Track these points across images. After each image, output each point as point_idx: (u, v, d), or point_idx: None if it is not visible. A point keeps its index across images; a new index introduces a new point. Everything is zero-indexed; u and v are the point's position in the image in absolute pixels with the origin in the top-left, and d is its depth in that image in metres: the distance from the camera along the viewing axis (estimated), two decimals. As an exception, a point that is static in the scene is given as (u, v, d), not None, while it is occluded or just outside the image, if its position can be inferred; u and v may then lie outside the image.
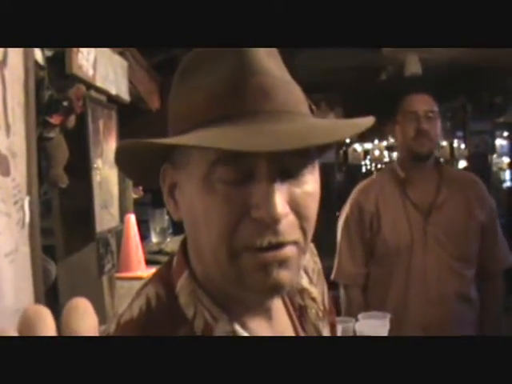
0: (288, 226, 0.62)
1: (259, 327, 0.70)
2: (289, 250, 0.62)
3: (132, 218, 2.84)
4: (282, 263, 0.62)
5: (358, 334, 1.54)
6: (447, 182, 2.05)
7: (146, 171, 0.72)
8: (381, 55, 3.48)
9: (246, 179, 0.61)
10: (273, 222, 0.60)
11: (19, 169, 1.35)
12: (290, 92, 0.64)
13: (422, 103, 2.04)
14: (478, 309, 2.07)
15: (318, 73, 4.16)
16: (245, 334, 0.68)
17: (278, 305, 0.75)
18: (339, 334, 1.49)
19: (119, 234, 2.63)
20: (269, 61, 0.64)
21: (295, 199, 0.62)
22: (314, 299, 0.81)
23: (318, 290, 0.83)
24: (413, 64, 3.35)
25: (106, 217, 2.13)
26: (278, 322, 0.74)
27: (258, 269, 0.62)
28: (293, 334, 0.76)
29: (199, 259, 0.68)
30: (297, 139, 0.57)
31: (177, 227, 3.90)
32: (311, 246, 0.82)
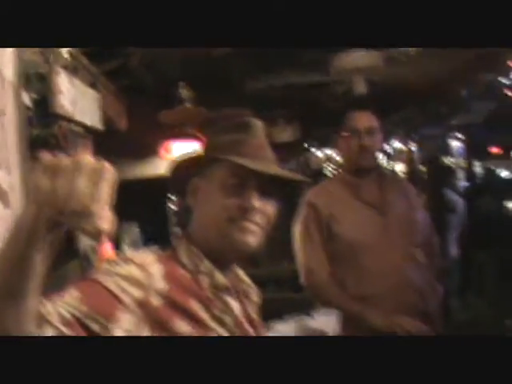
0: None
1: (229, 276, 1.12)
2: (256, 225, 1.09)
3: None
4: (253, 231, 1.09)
5: (312, 330, 1.70)
6: (389, 183, 2.23)
7: (179, 183, 1.15)
8: (329, 76, 3.71)
9: (242, 187, 1.08)
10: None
11: (17, 202, 1.57)
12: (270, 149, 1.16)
13: (364, 120, 2.15)
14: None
15: (275, 90, 4.35)
16: (220, 275, 1.09)
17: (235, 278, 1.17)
18: (295, 330, 1.71)
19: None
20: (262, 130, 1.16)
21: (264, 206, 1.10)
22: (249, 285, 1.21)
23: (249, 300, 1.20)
24: (359, 84, 3.65)
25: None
26: (238, 279, 1.17)
27: (241, 230, 1.07)
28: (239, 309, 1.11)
29: (204, 228, 1.10)
30: (279, 170, 1.11)
31: (146, 240, 4.06)
32: (240, 272, 1.19)
